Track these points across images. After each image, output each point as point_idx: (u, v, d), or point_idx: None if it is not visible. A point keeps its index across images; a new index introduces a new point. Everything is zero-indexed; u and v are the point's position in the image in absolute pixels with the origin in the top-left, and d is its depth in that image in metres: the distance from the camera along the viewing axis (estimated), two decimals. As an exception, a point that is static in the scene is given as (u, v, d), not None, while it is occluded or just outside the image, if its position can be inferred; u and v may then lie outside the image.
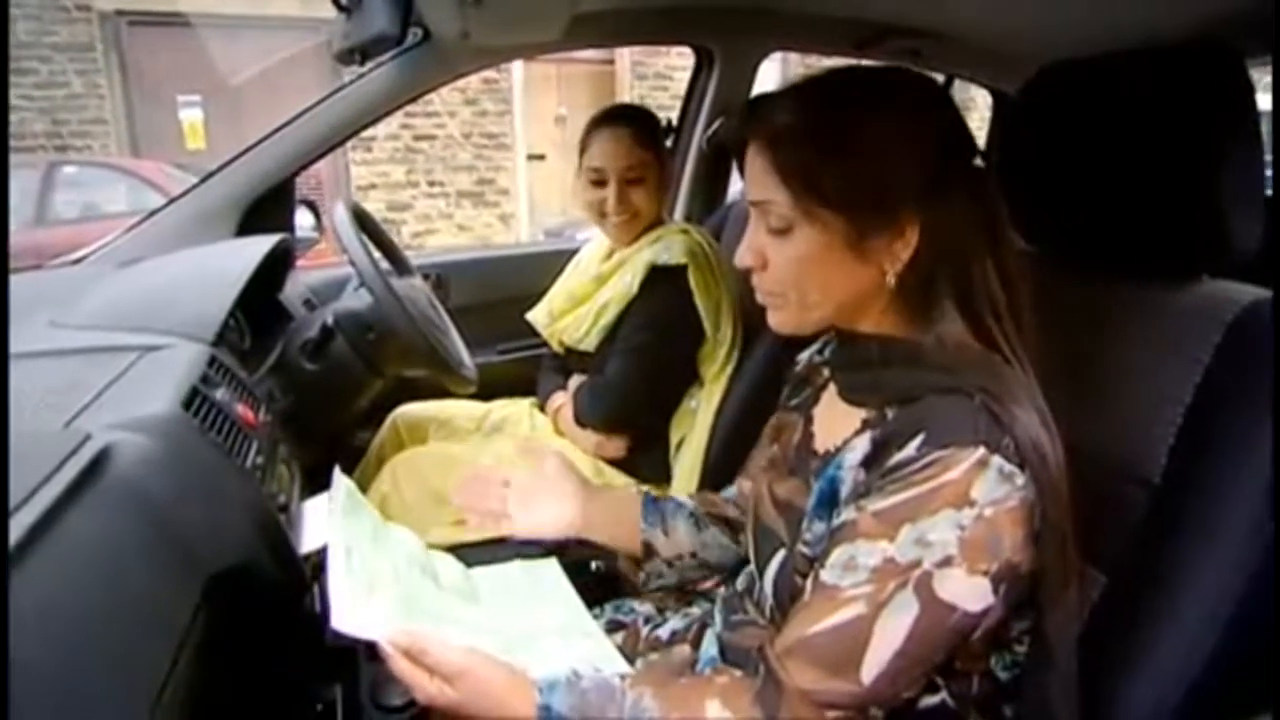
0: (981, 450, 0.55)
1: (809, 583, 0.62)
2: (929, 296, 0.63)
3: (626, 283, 1.30)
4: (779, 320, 0.69)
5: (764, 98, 0.67)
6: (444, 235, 7.09)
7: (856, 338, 0.68)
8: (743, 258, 0.67)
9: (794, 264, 0.64)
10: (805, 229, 0.63)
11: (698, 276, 1.27)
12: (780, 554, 0.70)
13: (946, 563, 0.54)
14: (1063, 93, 0.78)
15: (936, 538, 0.54)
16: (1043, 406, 0.59)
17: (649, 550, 0.86)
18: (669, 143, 1.42)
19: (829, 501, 0.64)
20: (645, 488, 0.91)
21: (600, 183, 1.31)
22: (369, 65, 1.31)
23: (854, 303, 0.66)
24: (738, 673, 0.67)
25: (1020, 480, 0.55)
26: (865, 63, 0.71)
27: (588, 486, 0.87)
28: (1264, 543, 0.59)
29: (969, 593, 0.55)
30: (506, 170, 7.24)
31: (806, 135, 0.62)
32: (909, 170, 0.61)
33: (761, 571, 0.73)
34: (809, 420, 0.75)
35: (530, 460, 0.87)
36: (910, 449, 0.57)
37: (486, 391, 1.38)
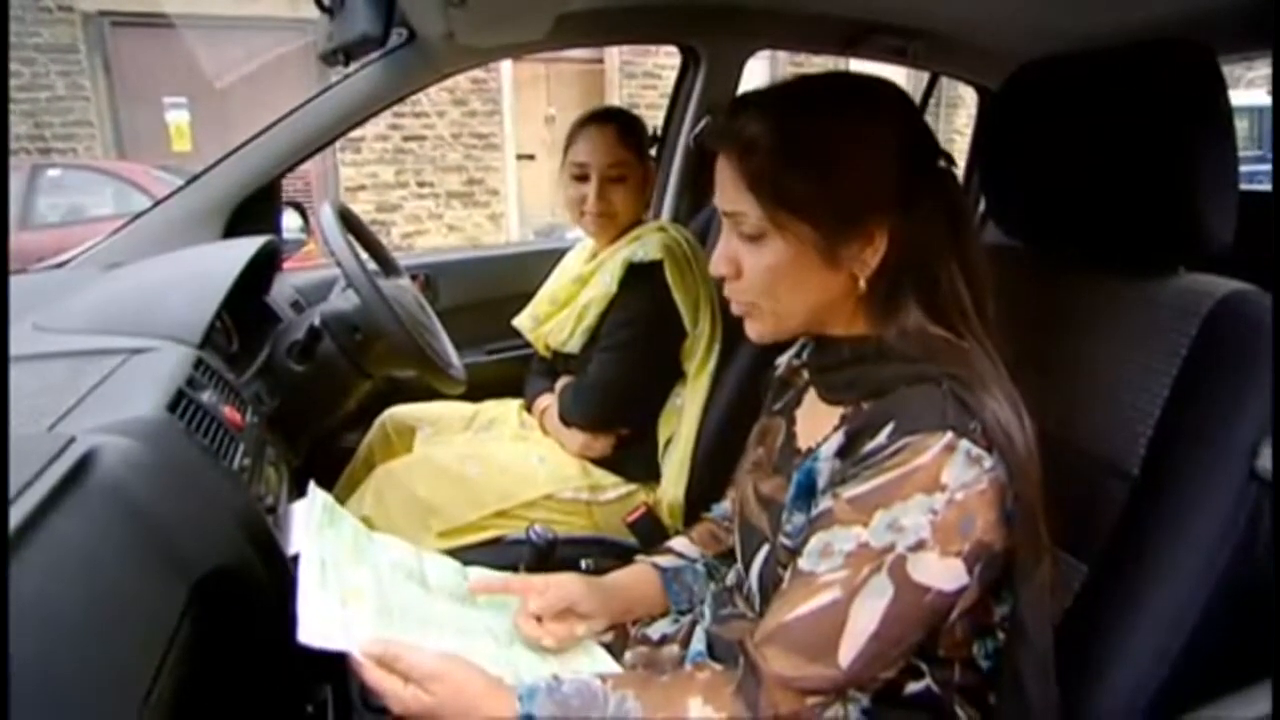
0: (949, 435, 0.56)
1: (787, 572, 0.63)
2: (895, 297, 0.64)
3: (606, 283, 1.30)
4: (756, 330, 0.70)
5: (734, 107, 0.67)
6: (433, 236, 7.07)
7: (831, 340, 0.69)
8: (717, 266, 0.68)
9: (767, 272, 0.65)
10: (776, 239, 0.63)
11: (674, 272, 1.28)
12: (765, 548, 0.71)
13: (919, 546, 0.56)
14: (1043, 89, 0.79)
15: (909, 522, 0.56)
16: (1013, 392, 0.60)
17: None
18: (653, 152, 1.43)
19: (807, 493, 0.65)
20: (654, 559, 0.89)
21: (582, 178, 1.32)
22: (354, 66, 1.31)
23: (826, 308, 0.67)
24: (719, 667, 0.67)
25: (989, 463, 0.57)
26: (835, 70, 0.70)
27: (603, 589, 0.82)
28: (1238, 533, 0.60)
29: (943, 574, 0.56)
30: (496, 170, 7.22)
31: (776, 146, 0.62)
32: (877, 179, 0.62)
33: (748, 567, 0.74)
34: (792, 421, 0.76)
35: (552, 583, 0.79)
36: (881, 437, 0.58)
37: (475, 392, 1.38)
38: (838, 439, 0.64)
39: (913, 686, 0.64)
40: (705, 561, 0.89)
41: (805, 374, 0.77)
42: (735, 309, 0.70)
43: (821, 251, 0.63)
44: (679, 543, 0.91)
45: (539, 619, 0.76)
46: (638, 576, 0.87)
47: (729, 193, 0.65)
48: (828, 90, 0.66)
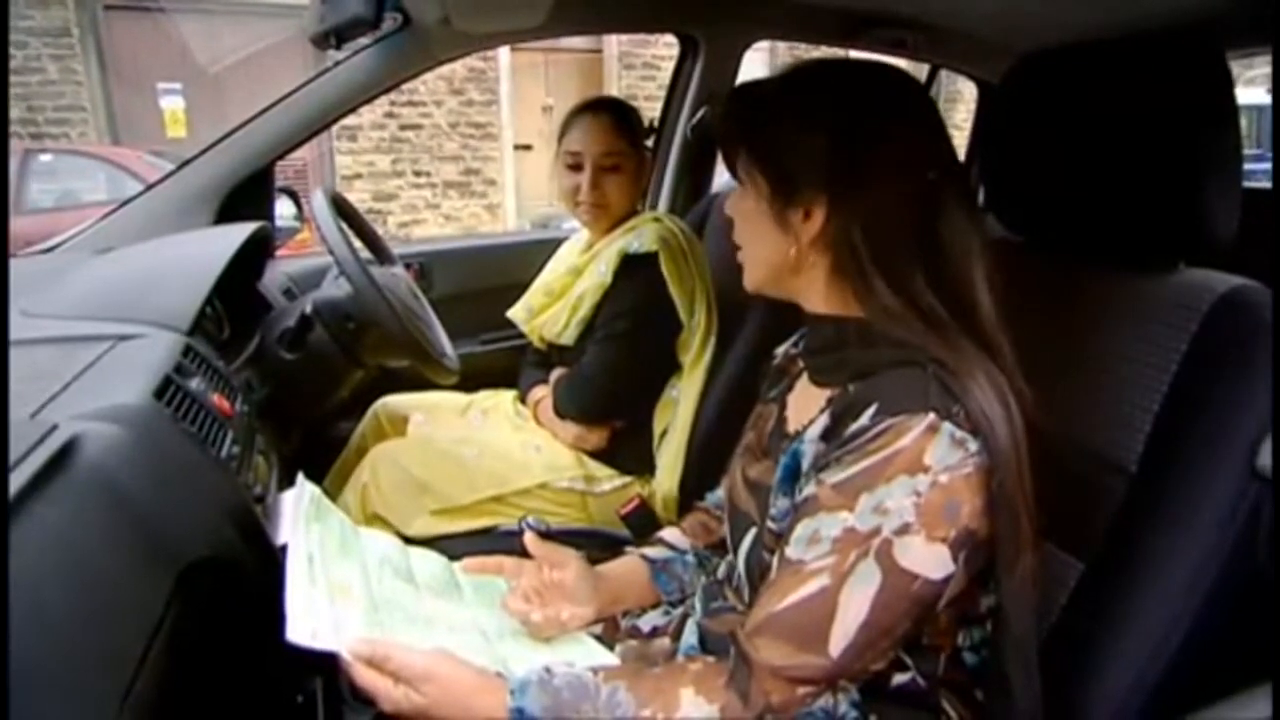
0: (932, 416, 0.56)
1: (775, 560, 0.63)
2: (863, 278, 0.64)
3: (600, 273, 1.29)
4: (744, 277, 0.73)
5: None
6: (430, 226, 7.04)
7: (818, 319, 0.70)
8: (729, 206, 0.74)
9: (738, 215, 0.71)
10: (748, 184, 0.69)
11: (669, 263, 1.27)
12: (751, 533, 0.71)
13: (905, 530, 0.56)
14: (1044, 82, 0.78)
15: (893, 504, 0.56)
16: (1001, 383, 0.60)
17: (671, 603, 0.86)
18: (650, 142, 1.41)
19: (792, 476, 0.65)
20: (644, 550, 0.89)
21: (576, 167, 1.31)
22: (347, 50, 1.29)
23: (783, 272, 0.69)
24: (711, 659, 0.67)
25: (974, 446, 0.56)
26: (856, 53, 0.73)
27: (597, 578, 0.83)
28: (1236, 531, 0.59)
29: (929, 561, 0.56)
30: (493, 160, 7.19)
31: (757, 104, 0.69)
32: (812, 155, 0.64)
33: (735, 551, 0.74)
34: (783, 406, 0.76)
35: (550, 557, 0.81)
36: (864, 419, 0.58)
37: (469, 382, 1.37)
38: (823, 421, 0.64)
39: (898, 679, 0.64)
40: (695, 553, 0.88)
41: (800, 362, 0.77)
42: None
43: (772, 206, 0.66)
44: (669, 534, 0.91)
45: (530, 603, 0.77)
46: (627, 567, 0.87)
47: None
48: (800, 69, 0.69)
